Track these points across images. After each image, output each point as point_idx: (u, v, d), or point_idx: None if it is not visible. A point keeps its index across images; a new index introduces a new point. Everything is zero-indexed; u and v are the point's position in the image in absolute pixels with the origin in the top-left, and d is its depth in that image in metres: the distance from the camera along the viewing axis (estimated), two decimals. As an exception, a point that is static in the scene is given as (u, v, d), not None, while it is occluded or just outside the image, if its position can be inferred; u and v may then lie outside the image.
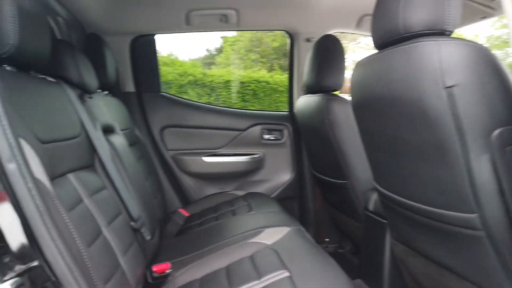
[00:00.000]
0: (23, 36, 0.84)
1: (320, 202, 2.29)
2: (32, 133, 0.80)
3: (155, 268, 1.16)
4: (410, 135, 1.00)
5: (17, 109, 0.78)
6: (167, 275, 1.19)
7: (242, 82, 8.13)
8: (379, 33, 1.07)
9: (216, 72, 8.65)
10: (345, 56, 1.81)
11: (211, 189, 2.30)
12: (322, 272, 1.08)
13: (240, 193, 2.12)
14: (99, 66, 1.62)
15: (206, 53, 15.63)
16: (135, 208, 1.26)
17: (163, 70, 7.24)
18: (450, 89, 0.85)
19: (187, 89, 7.56)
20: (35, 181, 0.60)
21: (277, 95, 8.36)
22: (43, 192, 0.67)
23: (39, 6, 0.98)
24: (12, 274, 0.58)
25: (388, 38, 1.02)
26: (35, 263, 0.60)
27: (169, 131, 2.29)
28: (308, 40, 2.24)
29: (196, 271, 1.22)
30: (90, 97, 1.32)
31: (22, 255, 0.59)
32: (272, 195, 2.29)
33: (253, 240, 1.34)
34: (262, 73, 8.88)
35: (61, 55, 1.22)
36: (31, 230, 0.59)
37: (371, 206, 1.58)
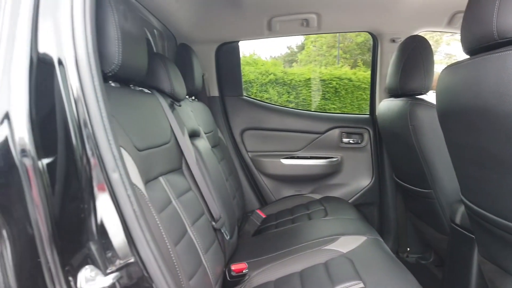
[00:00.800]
0: (125, 56, 0.95)
1: (402, 210, 2.19)
2: (131, 142, 0.91)
3: (233, 267, 1.23)
4: (502, 150, 0.92)
5: (119, 121, 0.89)
6: (244, 274, 1.26)
7: (323, 80, 8.04)
8: (469, 38, 0.99)
9: (297, 71, 8.67)
10: (433, 58, 1.71)
11: (288, 191, 2.34)
12: (398, 286, 1.05)
13: (317, 196, 2.12)
14: (188, 73, 1.76)
15: (287, 51, 15.71)
16: (216, 208, 1.35)
17: (246, 69, 7.48)
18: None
19: (268, 87, 7.72)
20: (133, 187, 0.69)
21: (360, 92, 8.10)
22: (139, 197, 0.76)
23: (138, 21, 1.11)
24: (113, 268, 0.67)
25: (480, 44, 0.94)
26: (132, 260, 0.69)
27: (249, 133, 2.38)
28: (393, 40, 2.15)
29: (271, 273, 1.27)
30: (179, 105, 1.45)
31: (121, 252, 0.68)
32: (350, 200, 2.25)
33: (328, 247, 1.35)
34: (344, 70, 8.69)
35: (156, 67, 1.35)
36: (129, 231, 0.68)
37: (457, 219, 1.47)
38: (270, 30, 2.10)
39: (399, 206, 2.21)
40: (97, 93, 0.66)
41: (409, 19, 2.04)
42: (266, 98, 7.51)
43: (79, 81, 0.64)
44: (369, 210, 2.30)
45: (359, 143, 2.32)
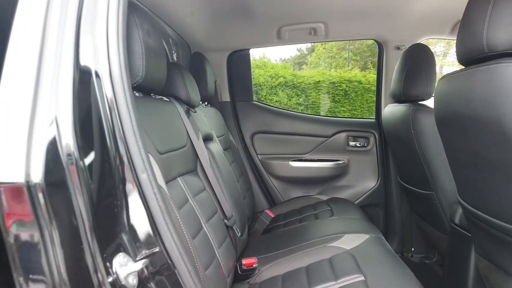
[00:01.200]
0: (148, 69, 1.06)
1: (407, 212, 2.27)
2: (154, 146, 1.02)
3: (244, 261, 1.33)
4: (491, 154, 1.00)
5: (144, 128, 1.00)
6: (254, 268, 1.36)
7: (332, 82, 8.09)
8: (463, 50, 1.08)
9: (306, 73, 8.74)
10: (435, 65, 1.79)
11: (296, 192, 2.44)
12: (396, 280, 1.14)
13: (324, 197, 2.21)
14: (201, 80, 1.87)
15: (297, 53, 15.73)
16: (228, 207, 1.46)
17: (255, 72, 7.58)
18: (532, 111, 0.86)
19: (277, 90, 7.81)
20: (158, 186, 0.79)
21: (370, 95, 8.12)
22: (163, 195, 0.87)
23: (158, 35, 1.21)
24: (141, 255, 0.77)
25: (472, 56, 1.03)
26: (157, 249, 0.80)
27: (259, 137, 2.48)
28: (398, 48, 2.23)
29: (279, 267, 1.37)
30: (194, 111, 1.56)
31: (148, 242, 0.79)
32: (356, 202, 2.34)
33: (333, 244, 1.44)
34: (354, 73, 8.72)
35: (173, 77, 1.46)
36: (155, 224, 0.79)
37: (457, 219, 1.55)
38: (279, 38, 2.20)
39: (404, 207, 2.28)
40: (128, 103, 0.77)
41: (413, 28, 2.11)
42: (276, 101, 7.61)
43: (112, 92, 0.75)
44: (375, 211, 2.38)
45: (365, 147, 2.40)
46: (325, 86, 8.20)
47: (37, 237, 0.64)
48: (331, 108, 8.23)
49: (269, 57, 8.62)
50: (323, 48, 14.05)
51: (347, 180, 2.42)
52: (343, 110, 8.16)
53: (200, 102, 1.92)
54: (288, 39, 2.22)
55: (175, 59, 2.10)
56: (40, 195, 0.64)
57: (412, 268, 1.25)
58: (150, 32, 1.11)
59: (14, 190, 0.63)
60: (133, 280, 0.72)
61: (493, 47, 0.94)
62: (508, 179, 0.98)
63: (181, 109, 1.41)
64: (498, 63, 0.91)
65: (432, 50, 1.78)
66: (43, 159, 0.65)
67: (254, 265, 1.34)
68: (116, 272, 0.71)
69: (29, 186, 0.63)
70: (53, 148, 0.67)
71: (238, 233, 1.47)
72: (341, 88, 8.12)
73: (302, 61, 15.61)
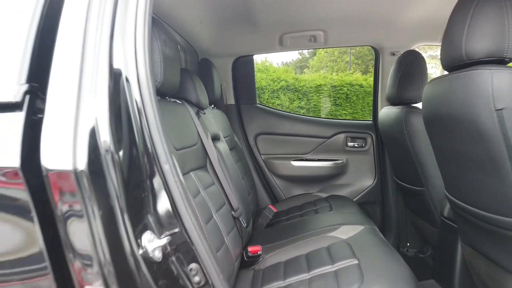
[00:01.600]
0: (165, 75, 1.20)
1: (402, 208, 2.39)
2: (171, 143, 1.16)
3: (250, 249, 1.46)
4: (470, 150, 1.14)
5: (163, 127, 1.14)
6: (259, 256, 1.49)
7: (334, 86, 8.21)
8: (445, 58, 1.22)
9: (308, 77, 8.86)
10: (427, 70, 1.92)
11: (297, 190, 2.57)
12: (387, 263, 1.27)
13: (323, 195, 2.34)
14: (208, 85, 2.01)
15: (299, 56, 15.84)
16: (234, 201, 1.59)
17: (257, 76, 7.71)
18: (500, 111, 0.99)
19: (279, 94, 7.93)
20: (179, 175, 0.93)
21: (371, 98, 8.22)
22: (182, 183, 1.00)
23: (173, 45, 1.36)
24: (164, 234, 0.91)
25: (453, 63, 1.17)
26: (177, 230, 0.93)
27: (262, 138, 2.62)
28: (393, 54, 2.36)
29: (282, 255, 1.50)
30: (204, 113, 1.70)
31: (170, 223, 0.92)
32: (354, 199, 2.47)
33: (331, 234, 1.57)
34: (355, 76, 8.83)
35: (185, 81, 1.60)
36: (176, 208, 0.92)
37: (445, 213, 1.68)
38: (281, 45, 2.34)
39: (399, 204, 2.41)
40: (153, 105, 0.90)
41: (407, 35, 2.25)
42: (278, 104, 7.73)
43: (140, 95, 0.89)
44: (372, 208, 2.51)
45: (363, 147, 2.53)
46: (327, 90, 8.29)
47: (83, 213, 0.77)
48: (332, 111, 8.32)
49: (271, 61, 8.76)
50: (325, 52, 14.15)
51: (345, 178, 2.55)
52: (345, 113, 8.25)
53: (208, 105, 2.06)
54: (289, 45, 2.36)
55: (183, 65, 2.24)
56: (85, 180, 0.77)
57: (407, 262, 1.36)
58: (166, 42, 1.25)
59: (65, 175, 0.77)
60: (158, 254, 0.85)
61: (471, 56, 1.08)
62: (484, 173, 1.11)
63: (192, 111, 1.55)
64: (474, 70, 1.05)
65: (434, 54, 1.92)
66: (86, 151, 0.79)
67: (258, 252, 1.47)
68: (145, 246, 0.84)
69: (76, 173, 0.77)
70: (93, 142, 0.81)
71: (244, 224, 1.60)
72: (342, 91, 8.21)
73: (304, 65, 15.72)
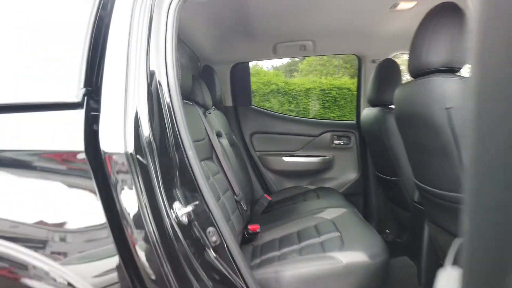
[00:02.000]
0: (182, 80, 1.47)
1: (382, 199, 2.68)
2: None
3: (250, 227, 1.73)
4: (428, 142, 1.43)
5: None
6: (257, 233, 1.76)
7: (323, 89, 8.48)
8: (411, 67, 1.50)
9: (298, 81, 9.11)
10: (401, 76, 2.22)
11: (288, 183, 2.85)
12: (364, 234, 1.55)
13: (312, 187, 2.62)
14: (211, 88, 2.27)
15: (289, 60, 16.09)
16: (236, 188, 1.86)
17: (249, 80, 7.96)
18: (448, 109, 1.28)
19: (270, 97, 8.18)
20: (199, 159, 1.19)
21: (357, 101, 8.52)
22: (201, 166, 1.27)
23: (187, 55, 1.62)
24: (188, 204, 1.17)
25: (417, 71, 1.45)
26: (198, 202, 1.19)
27: (257, 136, 2.89)
28: (373, 61, 2.66)
29: (276, 233, 1.77)
30: (209, 113, 1.96)
31: (193, 196, 1.19)
32: (340, 191, 2.75)
33: (317, 215, 1.85)
34: (343, 80, 9.09)
35: (193, 85, 1.87)
36: (197, 184, 1.18)
37: (416, 198, 1.97)
38: (275, 53, 2.62)
39: (380, 195, 2.70)
40: (180, 105, 1.17)
41: (385, 45, 2.55)
42: (268, 107, 7.98)
43: (169, 97, 1.15)
44: (356, 199, 2.79)
45: (347, 144, 2.82)
46: (316, 93, 8.48)
47: (132, 186, 1.03)
48: (321, 114, 8.55)
49: (261, 65, 9.01)
50: (315, 56, 14.42)
51: (332, 173, 2.84)
52: (333, 116, 8.46)
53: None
54: (282, 53, 2.64)
55: (186, 69, 2.50)
56: (133, 160, 1.03)
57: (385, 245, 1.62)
58: (181, 50, 1.51)
59: (119, 157, 1.03)
60: (185, 219, 1.11)
61: (429, 66, 1.37)
62: (440, 160, 1.40)
63: (199, 111, 1.82)
64: (431, 77, 1.34)
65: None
66: (132, 139, 1.05)
67: (257, 230, 1.74)
68: (175, 212, 1.10)
69: (127, 154, 1.02)
70: (137, 133, 1.07)
71: (245, 207, 1.87)
72: (331, 95, 8.40)
73: (293, 68, 15.98)
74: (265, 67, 9.90)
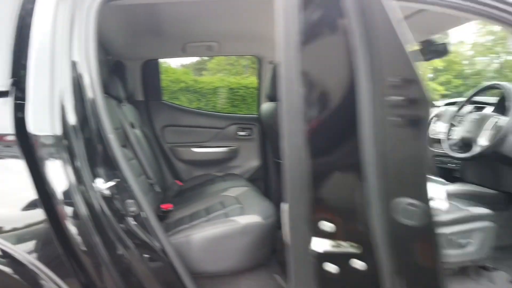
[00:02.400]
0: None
1: (280, 182, 3.09)
2: None
3: (163, 206, 1.95)
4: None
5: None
6: (170, 211, 1.98)
7: (231, 88, 8.80)
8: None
9: (207, 79, 9.29)
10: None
11: (198, 172, 3.10)
12: (260, 204, 1.89)
13: (220, 174, 2.92)
14: (122, 83, 2.42)
15: (198, 58, 16.17)
16: (150, 172, 2.06)
17: (157, 77, 7.90)
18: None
19: (179, 95, 8.21)
20: (119, 143, 1.39)
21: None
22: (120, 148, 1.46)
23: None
24: (110, 180, 1.36)
25: None
26: (118, 179, 1.39)
27: (168, 129, 3.09)
28: (270, 62, 3.06)
29: (187, 210, 2.02)
30: (124, 105, 2.13)
31: (114, 173, 1.38)
32: (244, 176, 3.10)
33: (223, 193, 2.15)
34: (251, 79, 9.53)
35: (107, 80, 2.02)
36: (118, 163, 1.38)
37: None
38: (183, 52, 2.85)
39: (278, 180, 3.11)
40: (100, 94, 1.35)
41: None
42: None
43: (91, 87, 1.33)
44: (258, 183, 3.16)
45: (250, 135, 3.18)
46: (224, 92, 8.75)
47: (60, 164, 1.19)
48: (230, 112, 8.85)
49: (169, 63, 8.99)
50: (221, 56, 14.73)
51: (237, 161, 3.17)
52: (230, 113, 8.75)
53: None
54: (190, 52, 2.89)
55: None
56: (60, 141, 1.20)
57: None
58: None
59: (47, 138, 1.18)
60: (108, 192, 1.31)
61: None
62: None
63: (114, 103, 1.98)
64: None
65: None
66: (59, 124, 1.21)
67: (170, 209, 1.97)
68: (99, 187, 1.29)
69: (54, 136, 1.19)
70: (64, 118, 1.23)
71: (158, 190, 2.08)
72: (239, 93, 8.71)
73: (202, 67, 16.13)
74: (173, 65, 9.90)
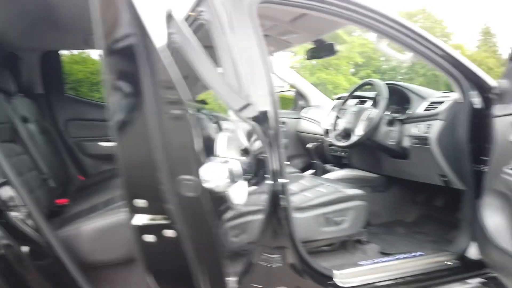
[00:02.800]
0: None
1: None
2: None
3: (57, 201, 1.94)
4: None
5: None
6: (64, 206, 1.98)
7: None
8: None
9: (130, 71, 8.89)
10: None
11: (107, 166, 3.06)
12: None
13: None
14: (15, 75, 2.32)
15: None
16: (44, 168, 2.03)
17: (74, 68, 7.41)
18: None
19: (100, 87, 7.78)
20: None
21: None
22: None
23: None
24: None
25: None
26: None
27: (73, 123, 3.00)
28: None
29: (86, 204, 2.01)
30: (14, 98, 2.06)
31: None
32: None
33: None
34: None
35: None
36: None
37: None
38: (87, 44, 2.79)
39: None
40: None
41: None
42: (98, 98, 7.63)
43: None
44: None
45: None
46: None
47: None
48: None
49: (89, 53, 8.39)
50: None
51: None
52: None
53: (20, 94, 2.37)
54: (94, 45, 2.82)
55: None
56: None
57: None
58: None
59: None
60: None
61: None
62: None
63: (1, 96, 1.91)
64: None
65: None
66: None
67: (65, 203, 1.96)
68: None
69: None
70: None
71: (53, 185, 2.06)
72: None
73: (128, 59, 15.46)
74: (93, 55, 9.31)
